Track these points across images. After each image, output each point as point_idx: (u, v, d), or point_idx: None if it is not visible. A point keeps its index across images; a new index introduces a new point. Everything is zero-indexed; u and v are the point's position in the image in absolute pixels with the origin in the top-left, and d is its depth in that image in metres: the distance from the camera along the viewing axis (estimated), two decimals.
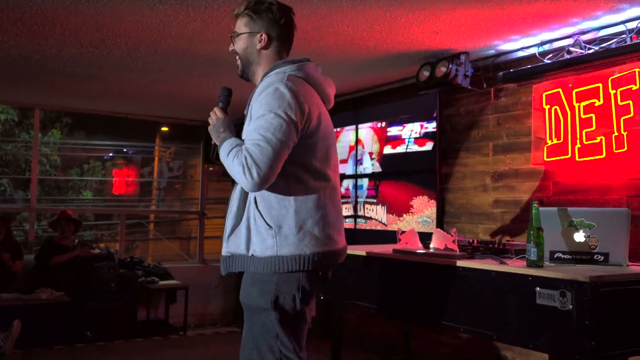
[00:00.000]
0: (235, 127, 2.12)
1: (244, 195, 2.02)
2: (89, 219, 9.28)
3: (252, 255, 1.97)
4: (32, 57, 4.26)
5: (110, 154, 10.13)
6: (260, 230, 1.95)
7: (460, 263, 2.52)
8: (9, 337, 4.51)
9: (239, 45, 2.10)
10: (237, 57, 2.13)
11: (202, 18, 3.37)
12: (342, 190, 5.28)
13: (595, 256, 2.38)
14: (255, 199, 1.97)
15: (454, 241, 2.62)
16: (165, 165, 9.92)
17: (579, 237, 2.41)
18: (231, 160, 1.91)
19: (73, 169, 9.86)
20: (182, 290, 6.08)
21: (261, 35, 2.07)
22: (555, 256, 2.46)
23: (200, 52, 4.06)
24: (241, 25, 2.09)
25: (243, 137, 2.00)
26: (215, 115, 2.09)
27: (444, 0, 3.01)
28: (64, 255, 5.60)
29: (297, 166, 1.96)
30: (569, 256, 2.43)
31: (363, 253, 3.09)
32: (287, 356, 1.96)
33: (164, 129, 8.13)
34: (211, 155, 2.14)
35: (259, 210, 1.96)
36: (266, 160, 1.85)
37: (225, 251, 2.06)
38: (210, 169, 7.18)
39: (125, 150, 10.05)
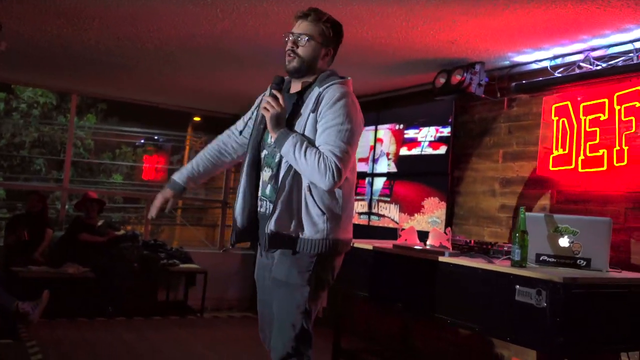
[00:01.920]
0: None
1: (293, 183, 2.24)
2: (117, 201, 9.64)
3: (299, 236, 2.23)
4: (72, 47, 4.55)
5: (142, 141, 10.47)
6: (312, 215, 2.22)
7: (449, 259, 2.70)
8: (38, 306, 4.81)
9: (308, 49, 2.30)
10: (294, 55, 2.30)
11: (230, 19, 3.59)
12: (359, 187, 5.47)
13: (578, 261, 2.54)
14: (309, 187, 2.22)
15: (448, 239, 2.80)
16: (194, 155, 10.23)
17: (564, 242, 2.57)
18: (311, 159, 2.16)
19: (105, 153, 10.24)
20: (201, 275, 6.33)
21: (329, 50, 2.36)
22: (541, 259, 2.62)
23: (228, 49, 4.29)
24: (315, 32, 2.31)
25: (301, 130, 2.25)
26: (279, 105, 2.24)
27: (458, 12, 3.17)
28: (92, 236, 5.91)
29: None
30: (553, 259, 2.59)
31: (363, 246, 3.29)
32: (307, 330, 2.25)
33: (197, 118, 8.38)
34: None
35: (313, 198, 2.22)
36: (347, 166, 2.20)
37: (270, 229, 2.23)
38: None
39: (156, 137, 10.38)
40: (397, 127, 5.19)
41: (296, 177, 2.24)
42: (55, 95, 9.32)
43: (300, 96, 2.35)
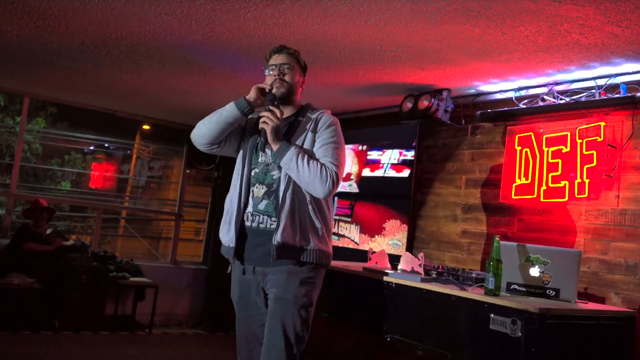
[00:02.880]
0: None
1: (293, 196, 2.42)
2: (64, 209, 9.30)
3: (302, 247, 2.40)
4: (32, 49, 4.37)
5: (92, 147, 10.15)
6: (315, 226, 2.43)
7: (423, 285, 2.71)
8: None
9: (292, 76, 2.58)
10: (282, 82, 2.54)
11: (204, 31, 3.54)
12: None
13: (548, 291, 2.59)
14: (311, 200, 2.43)
15: (420, 265, 2.81)
16: (146, 164, 10.00)
17: (534, 272, 2.62)
18: (314, 167, 2.37)
19: (53, 158, 9.87)
20: (151, 289, 6.17)
21: (303, 80, 2.69)
22: (512, 287, 2.67)
23: (196, 62, 4.22)
24: (294, 62, 2.60)
25: (299, 144, 2.48)
26: (277, 118, 2.44)
27: (433, 40, 3.23)
28: (38, 245, 5.67)
29: None
30: (524, 288, 2.64)
31: (333, 267, 3.27)
32: (304, 344, 2.40)
33: (145, 127, 8.21)
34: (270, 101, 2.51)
35: (315, 211, 2.44)
36: (340, 179, 2.45)
37: (277, 241, 2.38)
38: (188, 171, 7.29)
39: (106, 145, 10.09)
40: (360, 147, 5.22)
41: (296, 190, 2.43)
42: (3, 96, 8.95)
43: (296, 118, 2.61)
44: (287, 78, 2.55)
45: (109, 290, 5.98)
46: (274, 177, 2.49)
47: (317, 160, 2.42)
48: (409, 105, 4.26)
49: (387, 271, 2.94)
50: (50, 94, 6.42)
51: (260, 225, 2.47)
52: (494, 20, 2.82)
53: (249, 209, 2.52)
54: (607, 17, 2.63)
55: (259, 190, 2.51)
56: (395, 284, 2.85)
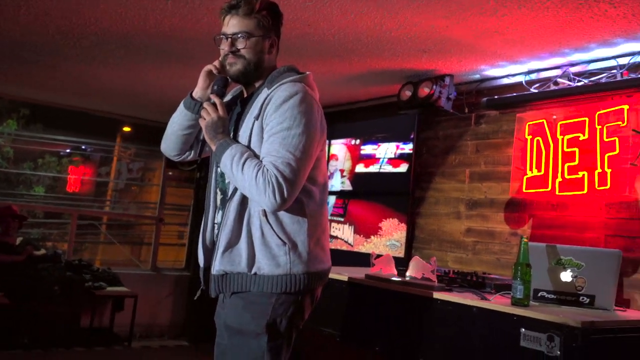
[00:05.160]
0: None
1: (242, 207, 1.86)
2: (38, 215, 8.83)
3: (256, 273, 1.82)
4: None
5: (68, 150, 9.68)
6: (271, 246, 1.82)
7: (438, 295, 2.36)
8: None
9: (249, 48, 1.91)
10: (235, 57, 1.91)
11: (181, 14, 3.17)
12: None
13: (581, 298, 2.26)
14: (264, 212, 1.82)
15: (432, 271, 2.45)
16: (125, 166, 9.57)
17: (566, 276, 2.28)
18: (249, 173, 1.76)
19: (26, 162, 9.38)
20: (130, 299, 5.76)
21: (273, 40, 1.97)
22: (539, 295, 2.33)
23: (174, 50, 3.85)
24: (252, 27, 1.90)
25: (245, 142, 1.87)
26: (216, 112, 1.88)
27: (440, 16, 2.89)
28: (7, 255, 5.24)
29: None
30: (553, 296, 2.30)
31: (334, 276, 2.91)
32: None
33: (126, 128, 7.83)
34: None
35: (270, 225, 1.82)
36: (296, 181, 1.77)
37: (217, 269, 1.87)
38: (170, 173, 6.91)
39: (83, 147, 9.63)
40: (352, 142, 4.87)
41: (246, 199, 1.86)
42: None
43: (247, 102, 1.96)
44: (243, 52, 1.90)
45: (84, 302, 5.56)
46: (226, 182, 1.92)
47: (259, 161, 1.79)
48: (407, 93, 3.92)
49: (394, 278, 2.58)
50: (18, 92, 5.99)
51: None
52: None
53: (217, 218, 1.96)
54: None
55: (218, 198, 1.97)
56: (403, 293, 2.49)
